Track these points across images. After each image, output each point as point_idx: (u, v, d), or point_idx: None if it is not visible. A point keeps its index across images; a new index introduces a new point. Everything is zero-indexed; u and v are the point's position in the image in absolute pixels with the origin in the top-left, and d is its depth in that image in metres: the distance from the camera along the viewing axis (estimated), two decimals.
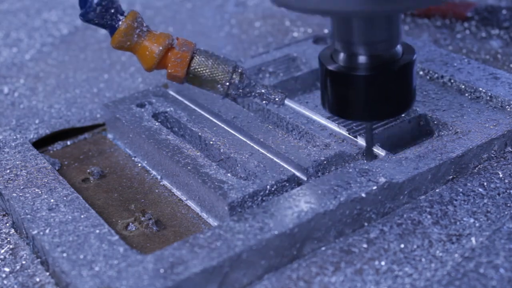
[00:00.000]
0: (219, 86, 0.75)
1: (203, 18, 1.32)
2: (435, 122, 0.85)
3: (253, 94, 0.76)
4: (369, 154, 0.78)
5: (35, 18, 1.38)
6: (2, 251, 0.75)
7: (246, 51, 1.17)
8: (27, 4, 1.45)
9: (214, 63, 0.74)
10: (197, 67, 0.74)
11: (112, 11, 0.73)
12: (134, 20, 0.74)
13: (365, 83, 0.71)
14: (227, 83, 0.75)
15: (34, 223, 0.73)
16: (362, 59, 0.71)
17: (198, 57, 0.75)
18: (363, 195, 0.73)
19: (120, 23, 0.74)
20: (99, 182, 0.86)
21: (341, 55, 0.72)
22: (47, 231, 0.72)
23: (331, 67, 0.72)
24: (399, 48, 0.72)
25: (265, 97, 0.77)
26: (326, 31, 1.13)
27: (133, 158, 0.90)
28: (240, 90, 0.76)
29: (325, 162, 0.78)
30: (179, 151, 0.82)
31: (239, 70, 0.76)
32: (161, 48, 0.74)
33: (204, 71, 0.74)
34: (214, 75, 0.74)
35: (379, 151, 0.82)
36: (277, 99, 0.77)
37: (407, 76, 0.72)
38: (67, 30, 1.31)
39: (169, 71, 0.75)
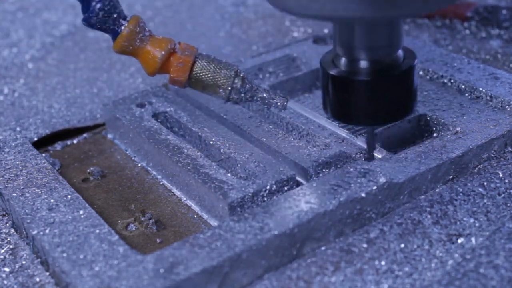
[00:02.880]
0: (221, 90, 0.76)
1: (203, 18, 1.32)
2: (435, 122, 0.85)
3: (254, 98, 0.77)
4: (370, 158, 0.79)
5: (35, 18, 1.38)
6: (2, 251, 0.75)
7: (246, 51, 1.17)
8: (27, 4, 1.45)
9: (216, 67, 0.75)
10: (199, 71, 0.75)
11: (115, 16, 0.73)
12: (136, 25, 0.75)
13: (366, 88, 0.72)
14: (229, 88, 0.75)
15: (34, 223, 0.73)
16: (363, 64, 0.72)
17: (200, 61, 0.75)
18: (363, 195, 0.73)
19: (122, 28, 0.74)
20: (99, 182, 0.86)
21: (343, 60, 0.73)
22: (47, 231, 0.72)
23: (332, 72, 0.73)
24: (400, 53, 0.73)
25: (267, 101, 0.77)
26: (326, 31, 1.13)
27: (133, 158, 0.90)
28: (242, 95, 0.76)
29: (325, 162, 0.78)
30: (179, 151, 0.82)
31: (241, 75, 0.76)
32: (163, 52, 0.75)
33: (206, 76, 0.75)
34: (216, 79, 0.75)
35: (379, 151, 0.82)
36: (279, 103, 0.77)
37: (408, 81, 0.73)
38: (67, 30, 1.31)
39: (172, 75, 0.76)
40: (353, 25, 0.70)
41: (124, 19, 0.75)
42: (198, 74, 0.75)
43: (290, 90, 0.97)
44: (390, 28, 0.71)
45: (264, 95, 0.77)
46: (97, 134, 0.97)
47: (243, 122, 0.87)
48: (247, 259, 0.67)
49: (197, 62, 0.75)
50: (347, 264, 0.69)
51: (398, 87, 0.73)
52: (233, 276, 0.67)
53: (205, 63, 0.75)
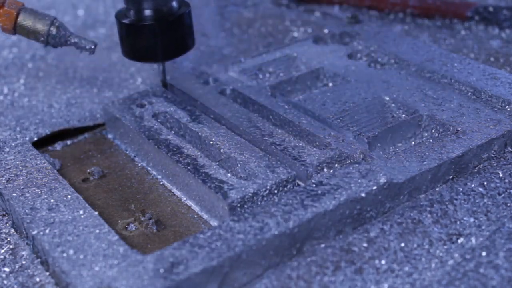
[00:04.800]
0: (40, 36, 0.93)
1: (203, 18, 1.32)
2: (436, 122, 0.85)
3: (68, 42, 0.94)
4: (164, 85, 0.98)
5: None
6: (2, 251, 0.75)
7: (246, 51, 1.17)
8: (27, 4, 1.45)
9: (36, 18, 0.93)
10: (22, 21, 0.92)
11: None
12: None
13: (150, 31, 0.90)
14: (46, 34, 0.92)
15: (34, 223, 0.73)
16: (146, 12, 0.91)
17: (23, 13, 0.93)
18: (363, 195, 0.73)
19: None
20: (99, 182, 0.86)
21: (131, 12, 0.91)
22: (47, 231, 0.72)
23: (125, 21, 0.91)
24: (175, 3, 0.92)
25: (78, 45, 0.94)
26: (326, 31, 1.13)
27: (133, 158, 0.90)
28: (57, 39, 0.93)
29: (325, 162, 0.78)
30: (179, 151, 0.82)
31: (56, 24, 0.93)
32: None
33: (27, 24, 0.92)
34: (36, 27, 0.92)
35: (379, 151, 0.82)
36: (87, 47, 0.94)
37: (182, 25, 0.92)
38: None
39: (1, 24, 0.93)
40: None
41: None
42: (21, 23, 0.92)
43: (290, 90, 0.97)
44: None
45: (76, 40, 0.94)
46: (97, 134, 0.97)
47: (243, 122, 0.87)
48: (247, 259, 0.67)
49: (20, 13, 0.92)
50: (347, 263, 0.69)
51: (173, 30, 0.91)
52: (233, 276, 0.67)
53: (27, 15, 0.93)
